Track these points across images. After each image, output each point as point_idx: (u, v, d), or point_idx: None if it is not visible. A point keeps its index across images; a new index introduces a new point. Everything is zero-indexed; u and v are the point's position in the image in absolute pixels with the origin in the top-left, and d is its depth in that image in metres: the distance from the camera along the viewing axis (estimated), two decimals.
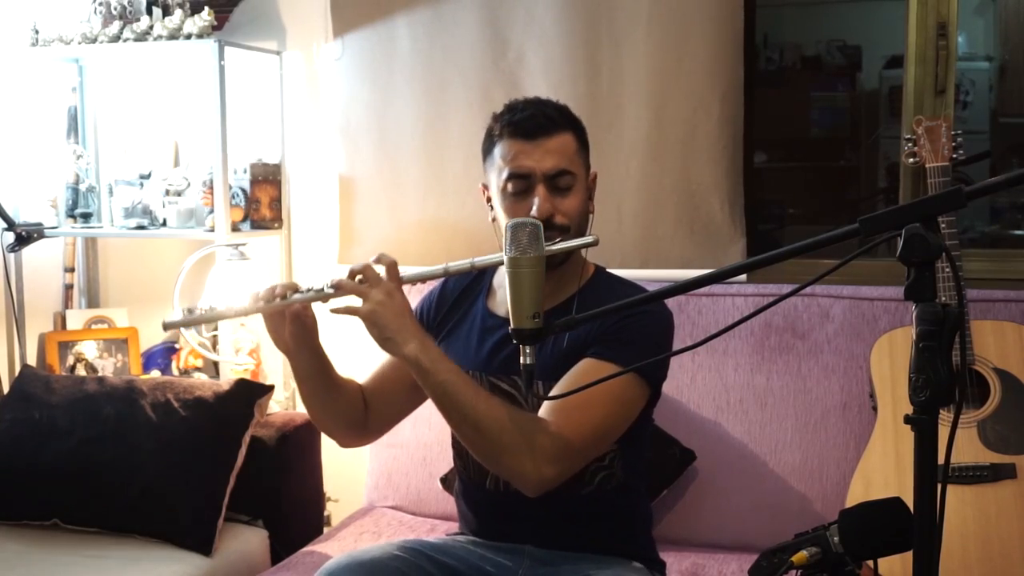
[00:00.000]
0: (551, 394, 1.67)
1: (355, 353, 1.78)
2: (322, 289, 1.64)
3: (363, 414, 1.86)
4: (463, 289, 1.91)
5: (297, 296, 1.65)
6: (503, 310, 1.82)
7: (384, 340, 1.60)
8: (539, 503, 1.68)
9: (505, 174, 1.74)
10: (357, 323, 1.62)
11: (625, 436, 1.73)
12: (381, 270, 1.64)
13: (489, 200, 1.82)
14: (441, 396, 1.60)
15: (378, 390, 1.87)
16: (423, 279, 1.69)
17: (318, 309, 1.71)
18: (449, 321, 1.90)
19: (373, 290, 1.60)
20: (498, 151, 1.76)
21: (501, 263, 1.56)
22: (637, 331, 1.71)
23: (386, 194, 2.76)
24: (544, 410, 1.65)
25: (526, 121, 1.73)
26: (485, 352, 1.81)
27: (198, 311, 1.69)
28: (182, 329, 2.82)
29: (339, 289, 1.63)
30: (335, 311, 1.63)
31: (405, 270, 1.67)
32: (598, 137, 2.51)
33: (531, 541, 1.80)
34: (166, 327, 1.75)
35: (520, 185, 1.73)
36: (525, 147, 1.72)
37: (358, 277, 1.63)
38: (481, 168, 1.84)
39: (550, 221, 1.69)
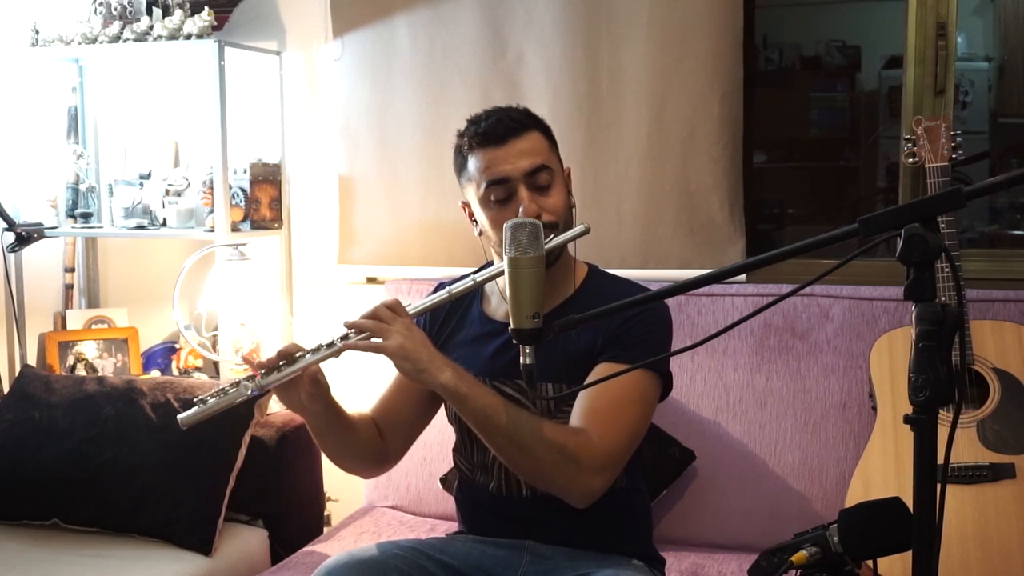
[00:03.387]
0: (564, 397, 1.69)
1: (356, 386, 1.75)
2: (332, 343, 1.60)
3: (380, 444, 1.85)
4: (451, 300, 1.91)
5: (310, 358, 1.60)
6: (500, 314, 1.82)
7: (418, 372, 1.58)
8: (542, 505, 1.68)
9: (484, 185, 1.73)
10: (358, 361, 1.56)
11: None
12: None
13: (472, 216, 1.82)
14: (483, 421, 1.59)
15: (389, 417, 1.85)
16: (429, 309, 1.68)
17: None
18: (444, 332, 1.89)
19: (393, 326, 1.58)
20: (472, 165, 1.76)
21: (501, 274, 1.57)
22: (644, 330, 1.73)
23: (386, 194, 2.76)
24: (578, 420, 1.66)
25: (493, 127, 1.73)
26: (487, 357, 1.81)
27: (210, 401, 1.58)
28: (182, 329, 2.82)
29: (354, 332, 1.59)
30: (357, 348, 1.57)
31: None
32: (598, 137, 2.52)
33: (532, 537, 1.80)
34: (183, 424, 1.60)
35: (502, 192, 1.73)
36: (498, 153, 1.72)
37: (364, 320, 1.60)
38: None
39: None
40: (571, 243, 1.70)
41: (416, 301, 1.68)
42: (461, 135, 1.79)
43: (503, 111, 1.78)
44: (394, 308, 1.62)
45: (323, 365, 1.63)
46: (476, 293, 1.87)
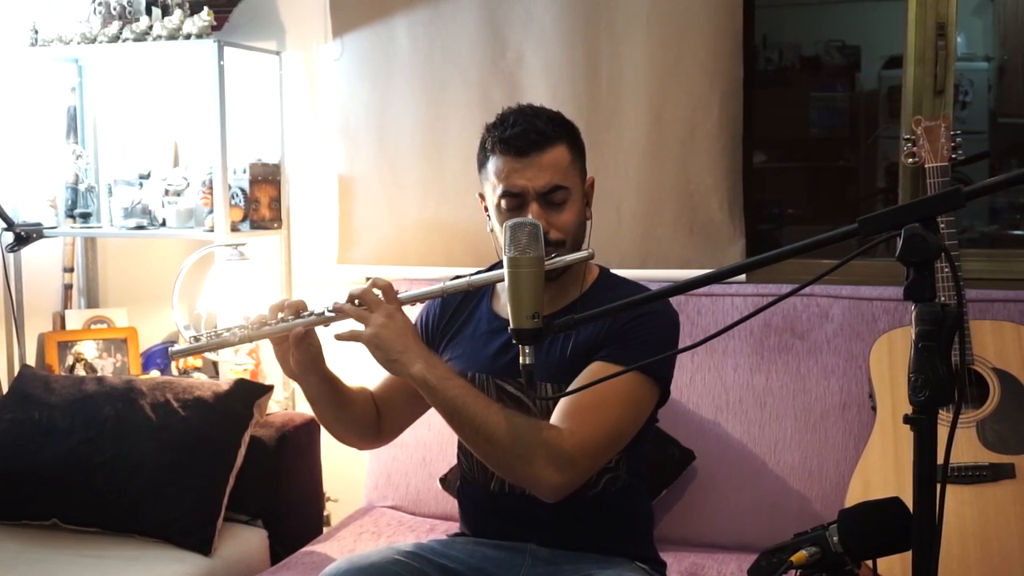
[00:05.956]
0: (563, 397, 1.67)
1: (363, 360, 1.79)
2: (323, 313, 1.64)
3: (376, 421, 1.86)
4: (466, 293, 1.91)
5: (299, 321, 1.64)
6: (507, 312, 1.82)
7: (389, 362, 1.61)
8: (543, 504, 1.68)
9: (499, 192, 1.73)
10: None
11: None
12: (379, 294, 1.63)
13: (487, 210, 1.82)
14: (451, 412, 1.61)
15: (388, 396, 1.87)
16: (420, 299, 1.69)
17: (321, 332, 1.70)
18: (454, 325, 1.90)
19: (374, 314, 1.60)
20: (491, 166, 1.75)
21: (499, 280, 1.57)
22: (645, 333, 1.71)
23: (386, 194, 2.76)
24: (556, 416, 1.65)
25: (517, 138, 1.71)
26: (490, 354, 1.81)
27: (203, 338, 1.68)
28: (182, 329, 2.82)
29: (339, 313, 1.62)
30: (339, 337, 1.62)
31: (402, 281, 1.67)
32: (598, 137, 2.52)
33: (534, 540, 1.80)
34: (172, 356, 1.74)
35: (514, 202, 1.73)
36: (517, 165, 1.71)
37: (356, 301, 1.63)
38: None
39: (545, 237, 1.68)
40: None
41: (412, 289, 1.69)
42: (487, 130, 1.77)
43: (532, 118, 1.74)
44: (386, 292, 1.63)
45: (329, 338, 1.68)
46: (487, 289, 1.88)
